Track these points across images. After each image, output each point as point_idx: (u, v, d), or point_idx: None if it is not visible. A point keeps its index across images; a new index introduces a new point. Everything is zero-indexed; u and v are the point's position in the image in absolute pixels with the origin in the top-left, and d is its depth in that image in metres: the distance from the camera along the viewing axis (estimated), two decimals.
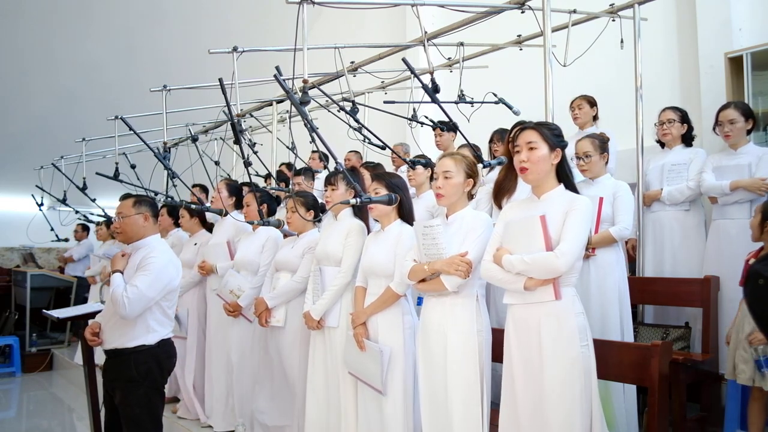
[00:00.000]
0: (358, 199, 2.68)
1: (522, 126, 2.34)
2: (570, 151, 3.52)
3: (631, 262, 3.81)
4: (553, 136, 2.26)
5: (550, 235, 2.15)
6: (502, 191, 3.41)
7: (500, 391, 2.38)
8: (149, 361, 2.85)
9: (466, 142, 3.12)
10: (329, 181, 3.22)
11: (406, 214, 2.92)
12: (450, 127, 4.35)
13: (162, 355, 2.91)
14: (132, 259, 2.97)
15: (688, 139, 3.72)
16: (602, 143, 3.23)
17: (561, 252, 2.09)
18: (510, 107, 3.88)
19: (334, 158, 2.77)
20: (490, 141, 4.20)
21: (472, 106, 4.03)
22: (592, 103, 4.20)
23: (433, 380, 2.50)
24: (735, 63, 4.18)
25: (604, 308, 3.01)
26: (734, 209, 3.35)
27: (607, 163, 3.28)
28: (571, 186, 2.29)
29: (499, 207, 3.45)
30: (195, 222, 4.47)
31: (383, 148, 3.85)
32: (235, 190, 4.27)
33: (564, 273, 2.11)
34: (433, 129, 4.32)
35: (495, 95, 3.93)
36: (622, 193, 3.14)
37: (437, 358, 2.48)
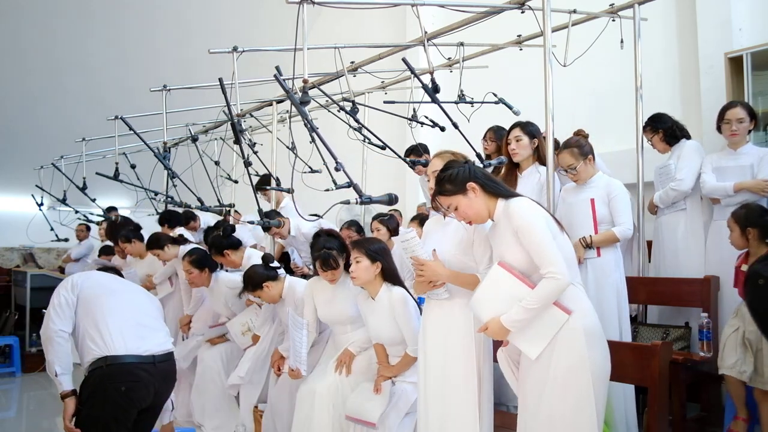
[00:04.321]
0: (358, 199, 2.68)
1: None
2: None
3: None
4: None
5: (518, 270, 2.11)
6: None
7: (502, 392, 2.39)
8: None
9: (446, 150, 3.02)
10: (329, 266, 3.13)
11: (391, 277, 2.97)
12: (423, 150, 4.39)
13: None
14: None
15: (672, 138, 3.72)
16: (581, 148, 3.16)
17: (551, 273, 2.03)
18: (510, 107, 3.88)
19: (334, 158, 2.76)
20: (483, 138, 4.19)
21: (472, 106, 4.03)
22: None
23: (431, 381, 2.50)
24: (735, 63, 4.18)
25: (602, 309, 3.02)
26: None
27: (593, 160, 3.23)
28: (503, 193, 2.25)
29: None
30: (170, 248, 4.45)
31: (383, 148, 3.84)
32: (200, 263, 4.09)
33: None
34: (412, 167, 4.12)
35: (495, 95, 3.93)
36: (617, 193, 3.12)
37: (436, 358, 2.48)
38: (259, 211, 4.01)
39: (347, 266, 3.20)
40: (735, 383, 2.79)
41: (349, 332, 3.22)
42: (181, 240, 4.53)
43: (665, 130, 3.73)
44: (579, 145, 3.18)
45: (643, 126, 3.80)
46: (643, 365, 2.40)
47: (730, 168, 3.38)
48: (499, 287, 2.13)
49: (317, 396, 2.99)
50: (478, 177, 2.25)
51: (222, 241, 3.94)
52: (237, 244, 3.98)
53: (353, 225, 4.67)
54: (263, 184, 4.88)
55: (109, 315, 2.77)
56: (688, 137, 3.73)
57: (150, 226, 7.16)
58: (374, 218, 4.52)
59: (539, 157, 3.41)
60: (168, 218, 5.23)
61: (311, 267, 4.53)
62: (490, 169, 3.72)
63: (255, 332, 3.83)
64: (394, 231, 4.30)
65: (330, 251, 3.15)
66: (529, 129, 3.44)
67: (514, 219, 2.13)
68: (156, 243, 4.44)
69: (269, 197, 5.13)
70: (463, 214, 2.24)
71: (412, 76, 3.48)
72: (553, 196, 3.03)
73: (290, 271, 4.58)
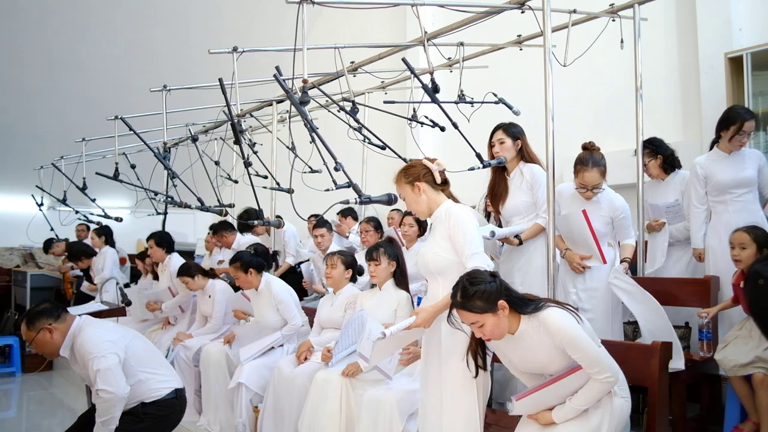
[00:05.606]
0: (358, 199, 2.68)
1: None
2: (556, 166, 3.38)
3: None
4: None
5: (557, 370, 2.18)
6: (496, 197, 3.42)
7: (502, 392, 2.40)
8: None
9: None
10: (372, 257, 3.40)
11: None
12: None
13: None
14: (76, 359, 2.89)
15: (670, 167, 3.74)
16: (606, 167, 3.09)
17: (606, 378, 2.10)
18: (510, 107, 3.88)
19: (334, 158, 2.77)
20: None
21: (472, 106, 4.03)
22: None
23: (430, 381, 2.53)
24: (735, 63, 4.18)
25: (607, 310, 3.13)
26: (735, 209, 3.36)
27: None
28: (527, 311, 2.22)
29: (498, 212, 3.45)
30: (199, 278, 4.54)
31: (383, 148, 3.85)
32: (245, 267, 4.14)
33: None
34: None
35: (495, 95, 3.93)
36: (625, 214, 3.13)
37: (433, 359, 2.51)
38: (260, 211, 4.02)
39: (395, 276, 3.42)
40: (741, 386, 2.78)
41: None
42: (211, 273, 4.65)
43: (665, 157, 3.73)
44: (605, 164, 3.10)
45: (644, 144, 3.79)
46: (643, 365, 2.40)
47: (725, 179, 3.38)
48: (537, 402, 2.20)
49: (331, 385, 3.14)
50: (508, 294, 2.19)
51: (252, 258, 3.97)
52: (261, 267, 4.02)
53: (372, 221, 4.73)
54: (247, 222, 4.93)
55: (154, 354, 3.11)
56: (680, 167, 3.78)
57: (150, 226, 7.17)
58: (406, 213, 4.58)
59: (523, 157, 3.39)
60: (167, 243, 5.22)
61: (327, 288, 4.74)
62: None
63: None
64: (423, 230, 4.36)
65: (379, 247, 3.40)
66: (512, 131, 3.37)
67: (557, 335, 2.11)
68: (186, 271, 4.54)
69: (260, 232, 5.21)
70: (489, 332, 2.15)
71: (412, 76, 3.48)
72: (553, 197, 3.03)
73: (302, 288, 4.70)
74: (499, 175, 3.46)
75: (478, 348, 2.32)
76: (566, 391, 2.15)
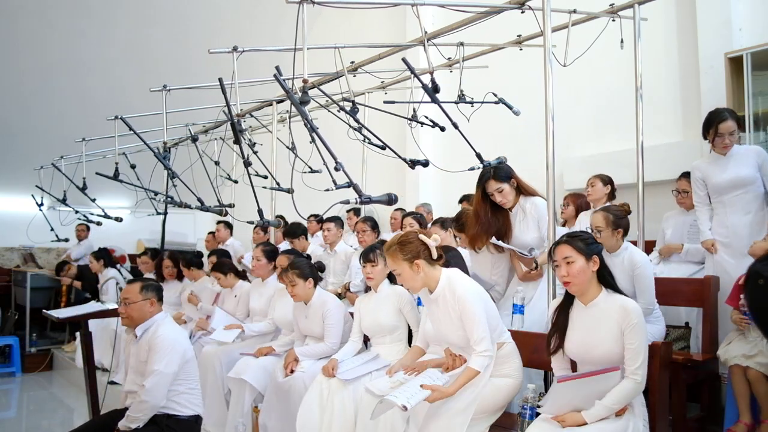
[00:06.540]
0: (358, 199, 2.68)
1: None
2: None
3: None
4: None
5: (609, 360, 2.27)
6: (500, 233, 3.32)
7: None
8: None
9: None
10: (368, 258, 3.35)
11: None
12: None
13: None
14: (141, 343, 3.07)
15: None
16: (616, 219, 3.07)
17: (639, 376, 2.20)
18: (510, 107, 3.88)
19: (334, 158, 2.76)
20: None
21: (472, 106, 4.03)
22: (606, 180, 4.16)
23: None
24: (735, 63, 4.18)
25: None
26: (734, 210, 3.36)
27: (624, 236, 3.12)
28: (610, 283, 2.38)
29: (501, 250, 3.36)
30: (231, 277, 4.68)
31: (383, 148, 3.84)
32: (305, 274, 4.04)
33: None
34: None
35: (495, 95, 3.92)
36: (641, 272, 3.01)
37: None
38: (259, 211, 4.01)
39: (391, 277, 3.36)
40: (740, 382, 2.78)
41: (387, 344, 3.32)
42: (242, 274, 4.82)
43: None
44: (616, 216, 3.08)
45: (683, 176, 3.81)
46: None
47: (721, 180, 3.37)
48: (564, 394, 2.26)
49: (331, 387, 3.14)
50: (602, 264, 2.37)
51: (310, 269, 3.77)
52: (318, 281, 3.87)
53: (368, 220, 4.74)
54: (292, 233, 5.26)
55: (197, 376, 3.16)
56: None
57: (150, 226, 7.18)
58: (406, 215, 4.64)
59: (520, 191, 3.34)
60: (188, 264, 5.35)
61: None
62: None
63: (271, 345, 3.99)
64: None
65: (375, 249, 3.36)
66: (503, 175, 3.27)
67: (630, 314, 2.24)
68: (220, 268, 4.71)
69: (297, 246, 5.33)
70: (575, 273, 2.31)
71: (412, 76, 3.48)
72: (553, 200, 3.03)
73: None
74: (501, 213, 3.36)
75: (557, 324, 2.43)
76: (597, 390, 2.22)
